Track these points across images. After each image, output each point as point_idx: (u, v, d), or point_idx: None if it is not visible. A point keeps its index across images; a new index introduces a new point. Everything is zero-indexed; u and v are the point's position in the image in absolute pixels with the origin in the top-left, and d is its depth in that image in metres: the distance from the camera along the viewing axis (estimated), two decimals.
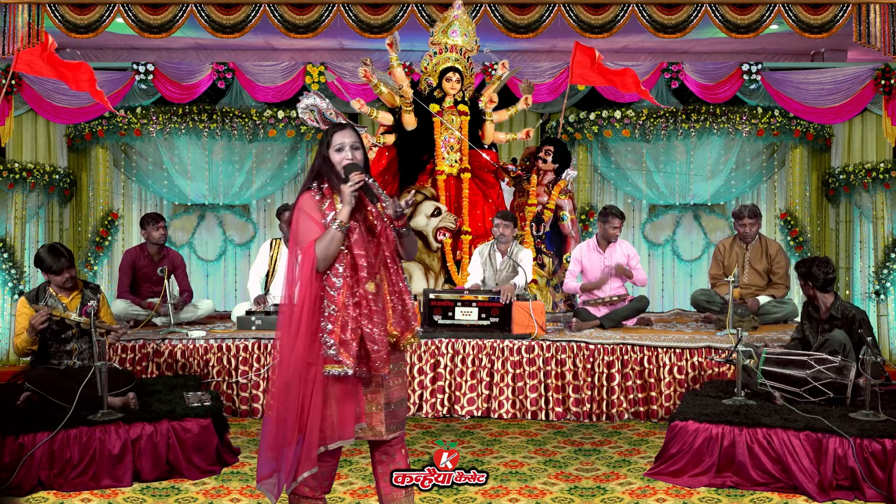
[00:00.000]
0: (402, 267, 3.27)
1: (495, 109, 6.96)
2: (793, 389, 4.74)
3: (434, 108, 6.62)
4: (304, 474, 3.07)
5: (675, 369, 5.70)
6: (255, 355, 5.84)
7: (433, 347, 5.80)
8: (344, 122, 3.39)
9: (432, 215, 6.62)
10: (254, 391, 5.81)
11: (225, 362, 5.85)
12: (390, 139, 6.71)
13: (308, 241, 3.07)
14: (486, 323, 5.92)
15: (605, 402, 5.74)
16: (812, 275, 5.05)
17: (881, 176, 7.51)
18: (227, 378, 5.82)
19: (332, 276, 3.09)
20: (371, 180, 3.16)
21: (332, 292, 3.08)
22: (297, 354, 3.11)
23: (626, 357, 5.74)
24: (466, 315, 5.94)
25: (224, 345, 5.86)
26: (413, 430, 5.42)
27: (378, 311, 3.09)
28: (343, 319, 3.07)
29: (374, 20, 6.40)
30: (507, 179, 7.17)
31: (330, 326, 3.08)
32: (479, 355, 5.79)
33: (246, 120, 8.01)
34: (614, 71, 7.27)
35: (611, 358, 5.75)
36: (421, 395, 5.80)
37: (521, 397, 5.76)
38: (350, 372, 3.05)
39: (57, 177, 7.68)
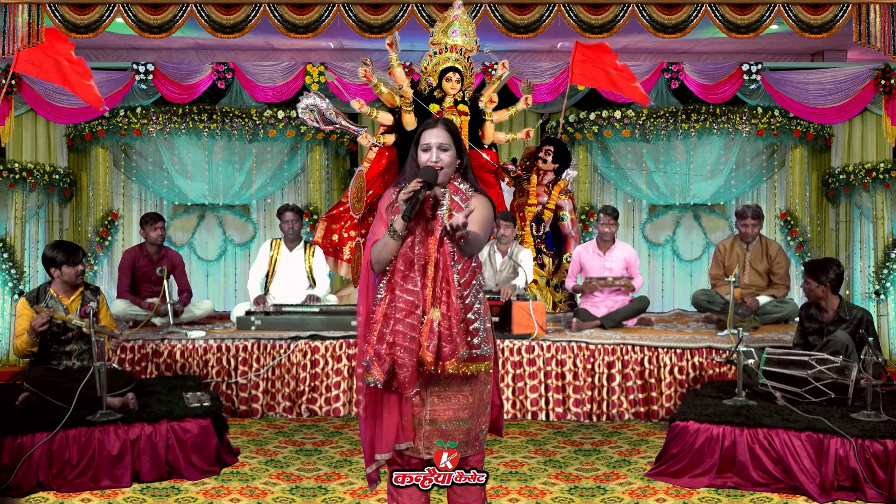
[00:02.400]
0: (474, 287, 2.95)
1: (495, 109, 6.94)
2: (794, 390, 4.74)
3: (434, 108, 6.61)
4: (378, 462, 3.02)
5: (676, 369, 5.70)
6: (255, 355, 5.84)
7: None
8: (442, 118, 3.13)
9: None
10: (253, 391, 5.80)
11: (224, 363, 5.84)
12: (390, 139, 6.70)
13: (370, 242, 2.96)
14: None
15: (605, 403, 5.73)
16: (830, 277, 5.04)
17: (881, 176, 7.51)
18: (226, 378, 5.82)
19: (378, 284, 2.97)
20: (441, 191, 2.93)
21: (377, 300, 2.95)
22: (358, 358, 3.03)
23: (626, 357, 5.74)
24: None
25: (224, 345, 5.86)
26: None
27: (405, 333, 2.89)
28: (381, 331, 2.93)
29: (374, 20, 6.38)
30: (507, 179, 7.16)
31: (370, 335, 2.96)
32: None
33: (246, 120, 8.01)
34: (617, 69, 7.24)
35: (611, 358, 5.74)
36: None
37: (521, 397, 5.75)
38: (380, 385, 2.92)
39: (57, 177, 7.67)
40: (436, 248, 2.91)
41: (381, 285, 2.95)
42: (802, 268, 5.21)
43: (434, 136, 2.97)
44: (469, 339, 2.92)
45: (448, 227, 2.77)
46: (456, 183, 3.04)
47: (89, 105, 6.68)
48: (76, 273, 4.94)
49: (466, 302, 2.94)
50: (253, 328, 6.12)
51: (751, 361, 4.78)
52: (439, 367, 2.91)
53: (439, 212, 2.91)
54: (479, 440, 3.11)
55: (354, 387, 5.79)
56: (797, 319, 5.49)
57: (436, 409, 3.00)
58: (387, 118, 6.73)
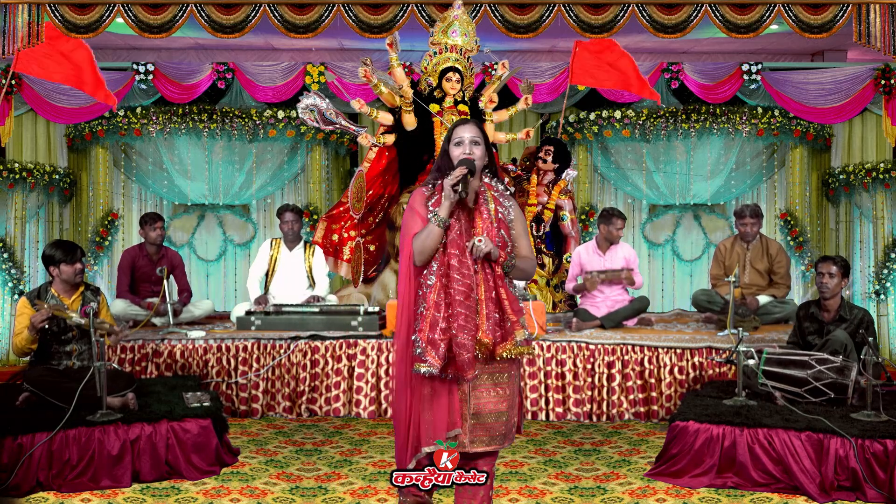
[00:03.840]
0: (504, 276, 3.12)
1: (495, 109, 6.95)
2: (794, 390, 4.74)
3: (434, 108, 6.61)
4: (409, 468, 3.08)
5: (676, 369, 5.70)
6: (255, 355, 5.84)
7: None
8: (468, 117, 3.39)
9: None
10: (253, 391, 5.80)
11: (224, 362, 5.84)
12: (390, 139, 6.70)
13: (409, 236, 3.06)
14: None
15: (605, 403, 5.73)
16: (849, 270, 5.05)
17: (881, 176, 7.51)
18: (226, 378, 5.82)
19: (427, 273, 3.05)
20: (478, 184, 3.13)
21: (424, 290, 3.04)
22: (399, 351, 3.10)
23: (626, 357, 5.74)
24: None
25: (224, 345, 5.86)
26: None
27: (466, 314, 3.01)
28: (433, 318, 3.01)
29: (374, 20, 6.38)
30: (507, 179, 7.17)
31: (420, 325, 3.03)
32: None
33: (246, 120, 8.01)
34: (619, 61, 7.21)
35: (611, 358, 5.74)
36: None
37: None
38: (436, 371, 2.99)
39: (57, 177, 7.67)
40: (486, 235, 3.07)
41: (431, 274, 3.04)
42: (821, 263, 5.11)
43: (467, 132, 3.14)
44: (512, 323, 3.10)
45: (480, 254, 3.02)
46: (491, 182, 3.21)
47: (100, 101, 6.66)
48: (75, 271, 4.94)
49: (504, 290, 3.11)
50: (253, 328, 6.12)
51: (751, 361, 4.78)
52: (495, 350, 3.06)
53: (482, 203, 3.09)
54: (513, 433, 3.23)
55: (354, 387, 5.81)
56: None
57: (479, 403, 3.10)
58: (387, 118, 6.73)
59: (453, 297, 3.01)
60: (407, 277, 3.09)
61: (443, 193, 3.05)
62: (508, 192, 3.26)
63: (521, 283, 6.21)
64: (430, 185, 3.17)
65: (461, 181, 3.00)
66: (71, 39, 6.34)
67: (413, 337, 3.04)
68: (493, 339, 3.05)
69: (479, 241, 3.03)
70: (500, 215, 3.16)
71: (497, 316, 3.07)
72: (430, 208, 3.09)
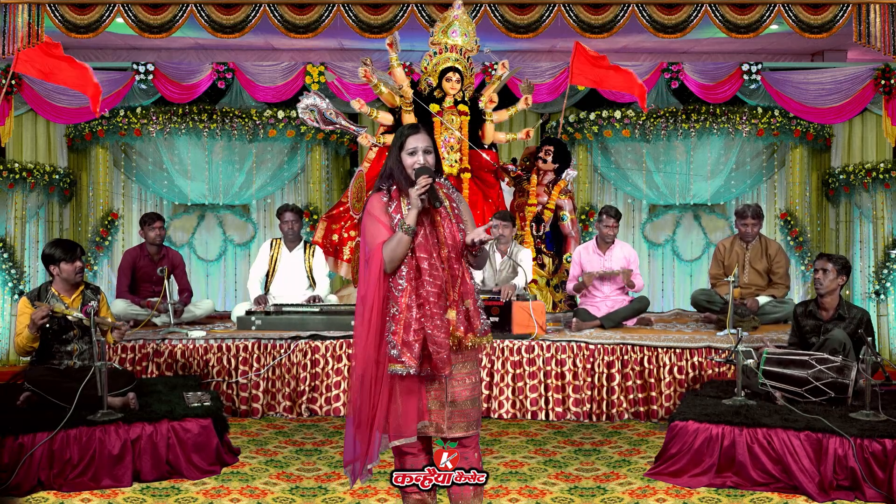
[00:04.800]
0: (468, 270, 3.31)
1: (495, 109, 6.95)
2: (793, 389, 4.74)
3: (434, 108, 6.61)
4: (368, 466, 3.22)
5: (676, 369, 5.70)
6: (255, 355, 5.84)
7: None
8: (417, 124, 3.49)
9: None
10: (254, 391, 5.81)
11: (225, 362, 5.84)
12: (390, 139, 6.69)
13: (376, 244, 3.17)
14: None
15: (605, 402, 5.74)
16: (849, 270, 5.05)
17: (881, 176, 7.51)
18: (227, 378, 5.82)
19: (396, 277, 3.18)
20: (443, 180, 3.31)
21: (396, 293, 3.17)
22: (368, 353, 3.20)
23: (626, 357, 5.74)
24: None
25: (224, 345, 5.86)
26: None
27: (440, 314, 3.16)
28: (406, 321, 3.15)
29: (374, 20, 6.39)
30: (507, 179, 7.17)
31: (393, 327, 3.16)
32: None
33: (246, 120, 8.01)
34: (615, 70, 7.24)
35: (611, 358, 5.75)
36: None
37: (521, 397, 5.76)
38: (413, 371, 3.13)
39: (57, 177, 7.68)
40: (447, 238, 3.23)
41: (401, 278, 3.17)
42: (818, 259, 5.12)
43: (421, 142, 3.25)
44: (480, 315, 3.30)
45: (474, 242, 3.18)
46: (440, 180, 3.36)
47: (88, 103, 6.67)
48: (74, 270, 4.94)
49: (470, 282, 3.29)
50: (253, 328, 6.12)
51: (750, 361, 4.78)
52: (464, 342, 3.22)
53: (437, 205, 3.24)
54: (480, 418, 3.39)
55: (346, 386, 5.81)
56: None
57: (454, 391, 3.25)
58: (387, 118, 6.73)
59: (426, 299, 3.15)
60: (376, 282, 3.17)
61: (409, 202, 3.19)
62: (449, 184, 3.44)
63: (520, 283, 6.21)
64: (386, 191, 3.28)
65: (430, 190, 3.15)
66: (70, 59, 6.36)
67: (387, 338, 3.16)
68: (464, 331, 3.22)
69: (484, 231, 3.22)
70: (455, 211, 3.33)
71: (465, 308, 3.25)
72: (392, 215, 3.22)
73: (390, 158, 3.31)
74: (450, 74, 6.59)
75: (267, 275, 6.79)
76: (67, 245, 4.98)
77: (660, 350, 5.73)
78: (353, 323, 5.88)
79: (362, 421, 3.21)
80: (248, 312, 6.26)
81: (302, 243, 6.86)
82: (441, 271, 3.20)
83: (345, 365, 5.83)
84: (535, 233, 7.28)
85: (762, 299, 6.70)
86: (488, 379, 5.76)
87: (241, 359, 5.84)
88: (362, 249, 3.29)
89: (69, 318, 4.80)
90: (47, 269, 5.01)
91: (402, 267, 3.18)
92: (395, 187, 3.27)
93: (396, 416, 3.19)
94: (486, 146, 6.95)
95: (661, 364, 5.71)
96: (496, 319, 5.88)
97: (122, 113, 7.88)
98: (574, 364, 5.76)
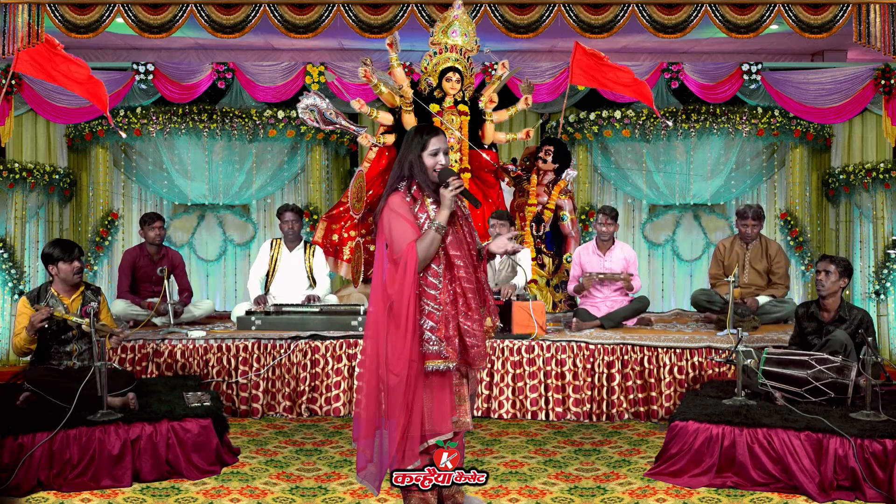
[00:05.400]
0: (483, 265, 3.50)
1: (495, 109, 6.95)
2: (793, 389, 4.74)
3: (434, 108, 6.61)
4: (409, 467, 3.25)
5: (676, 369, 5.70)
6: (255, 355, 5.84)
7: None
8: (436, 126, 3.68)
9: None
10: (254, 391, 5.80)
11: (225, 362, 5.84)
12: (390, 139, 6.71)
13: (407, 243, 3.24)
14: None
15: (605, 402, 5.74)
16: (850, 274, 5.06)
17: (881, 176, 7.51)
18: (226, 378, 5.82)
19: (429, 275, 3.28)
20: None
21: (432, 291, 3.27)
22: (405, 353, 3.23)
23: (626, 357, 5.74)
24: None
25: (224, 345, 5.86)
26: None
27: (476, 308, 3.32)
28: (445, 316, 3.26)
29: (374, 20, 6.39)
30: (507, 179, 7.17)
31: (432, 324, 3.24)
32: None
33: (246, 120, 8.01)
34: (615, 70, 7.24)
35: (611, 358, 5.75)
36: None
37: (521, 397, 5.75)
38: (453, 366, 3.24)
39: (57, 177, 7.68)
40: (466, 236, 3.41)
41: (437, 276, 3.29)
42: (820, 261, 5.12)
43: (442, 143, 3.37)
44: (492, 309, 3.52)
45: (507, 252, 3.45)
46: None
47: (94, 104, 6.66)
48: (73, 270, 4.93)
49: (485, 278, 3.49)
50: (253, 328, 6.12)
51: (750, 361, 4.78)
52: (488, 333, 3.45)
53: (478, 205, 3.48)
54: None
55: (354, 387, 5.80)
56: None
57: (471, 385, 3.44)
58: (387, 118, 6.73)
59: (462, 294, 3.28)
60: (412, 280, 3.22)
61: (433, 202, 3.33)
62: None
63: (520, 283, 6.21)
64: (407, 190, 3.35)
65: (464, 191, 3.31)
66: (69, 57, 6.35)
67: (426, 336, 3.24)
68: (490, 324, 3.46)
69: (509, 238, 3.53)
70: (466, 211, 3.50)
71: (491, 305, 3.47)
72: (417, 214, 3.31)
73: (408, 158, 3.35)
74: (450, 74, 6.59)
75: (267, 275, 6.79)
76: (66, 245, 4.98)
77: (660, 350, 5.73)
78: (352, 323, 5.96)
79: (393, 423, 3.22)
80: (248, 312, 6.25)
81: (302, 243, 6.86)
82: (472, 267, 3.34)
83: (345, 365, 5.83)
84: (535, 233, 7.28)
85: (762, 299, 6.70)
86: (488, 379, 5.76)
87: (241, 359, 5.83)
88: (380, 248, 3.33)
89: (71, 321, 4.80)
90: (46, 269, 5.01)
91: (433, 265, 3.27)
92: (415, 187, 3.34)
93: (431, 414, 3.26)
94: (486, 146, 6.95)
95: (661, 364, 5.71)
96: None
97: (122, 113, 7.88)
98: (574, 364, 5.76)
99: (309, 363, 5.85)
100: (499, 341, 5.79)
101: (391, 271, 3.27)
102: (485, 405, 5.75)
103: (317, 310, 6.20)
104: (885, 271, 7.53)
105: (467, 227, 3.42)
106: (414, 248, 3.21)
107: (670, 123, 7.80)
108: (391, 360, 3.26)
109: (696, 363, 5.69)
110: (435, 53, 6.63)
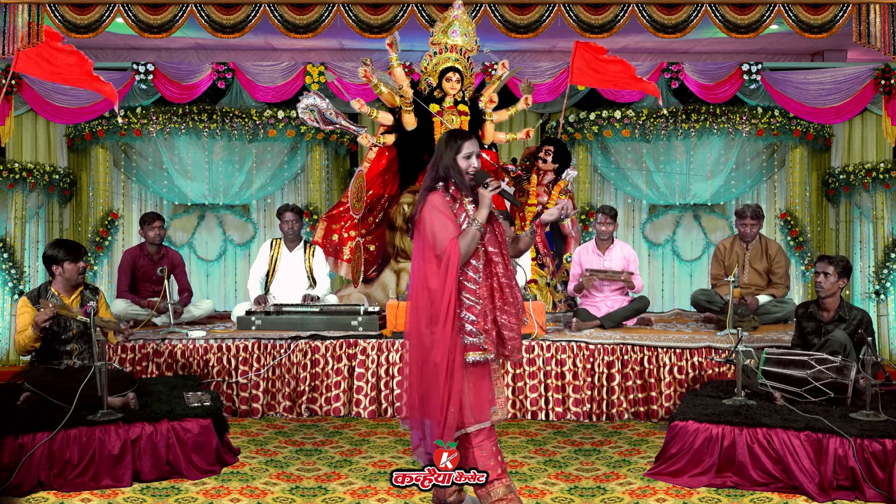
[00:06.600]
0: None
1: (495, 109, 6.95)
2: (793, 389, 4.74)
3: (434, 108, 6.61)
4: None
5: (676, 369, 5.70)
6: (255, 355, 5.84)
7: None
8: (466, 130, 3.84)
9: None
10: (254, 391, 5.81)
11: (225, 362, 5.84)
12: (390, 139, 6.71)
13: (450, 239, 3.40)
14: None
15: (605, 402, 5.74)
16: (848, 274, 5.06)
17: (881, 176, 7.51)
18: (227, 378, 5.82)
19: (468, 271, 3.46)
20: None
21: (471, 286, 3.45)
22: (447, 344, 3.37)
23: (626, 357, 5.74)
24: None
25: (224, 345, 5.86)
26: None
27: (513, 302, 3.51)
28: (484, 310, 3.45)
29: (374, 20, 6.39)
30: (507, 179, 7.17)
31: (472, 317, 3.42)
32: None
33: (246, 120, 8.01)
34: (615, 64, 7.23)
35: (611, 358, 5.75)
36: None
37: (521, 397, 5.75)
38: (492, 357, 3.45)
39: (57, 177, 7.68)
40: (499, 235, 3.60)
41: (476, 271, 3.46)
42: (818, 262, 5.13)
43: (475, 146, 3.56)
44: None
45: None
46: None
47: (105, 97, 6.64)
48: (78, 270, 4.94)
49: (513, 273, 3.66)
50: (253, 328, 6.12)
51: (750, 361, 4.78)
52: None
53: (518, 204, 3.70)
54: None
55: (354, 387, 5.81)
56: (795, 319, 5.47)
57: (502, 378, 3.67)
58: (387, 118, 6.73)
59: (499, 289, 3.48)
60: (454, 275, 3.38)
61: (471, 201, 3.51)
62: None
63: (521, 282, 6.22)
64: (445, 190, 3.52)
65: (501, 192, 3.54)
66: (70, 49, 6.35)
67: (466, 328, 3.41)
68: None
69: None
70: (497, 210, 3.75)
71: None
72: (458, 214, 3.48)
73: (443, 162, 3.53)
74: (450, 74, 6.59)
75: (267, 275, 6.79)
76: (71, 246, 4.99)
77: (660, 350, 5.73)
78: (352, 323, 5.96)
79: (433, 411, 3.37)
80: (248, 312, 6.25)
81: (302, 243, 6.86)
82: (506, 264, 3.53)
83: (345, 365, 5.83)
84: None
85: (762, 299, 6.71)
86: None
87: (241, 359, 5.84)
88: (417, 246, 3.49)
89: (76, 320, 4.80)
90: (49, 269, 5.01)
91: (472, 261, 3.46)
92: (452, 188, 3.52)
93: (471, 404, 3.41)
94: (487, 146, 6.94)
95: (661, 364, 5.71)
96: None
97: (122, 113, 7.88)
98: (574, 364, 5.76)
99: (309, 363, 5.85)
100: None
101: (433, 267, 3.43)
102: None
103: (317, 310, 6.20)
104: (885, 271, 7.54)
105: (500, 225, 3.59)
106: (456, 245, 3.38)
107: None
108: (431, 351, 3.41)
109: (696, 363, 5.69)
110: (435, 53, 6.63)
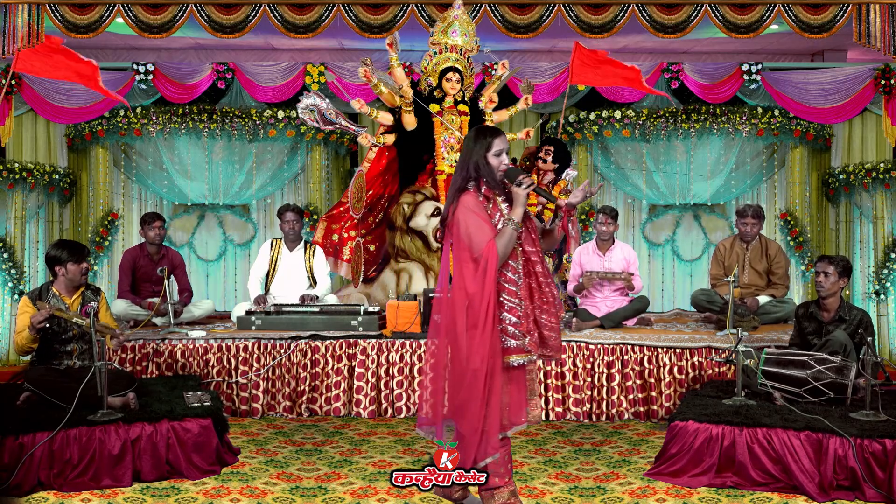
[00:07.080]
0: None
1: (495, 109, 6.95)
2: (793, 389, 4.74)
3: (434, 108, 6.62)
4: (488, 459, 3.34)
5: (676, 369, 5.70)
6: (255, 355, 5.84)
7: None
8: (497, 127, 3.67)
9: (432, 215, 6.61)
10: (253, 391, 5.81)
11: (225, 362, 5.85)
12: (390, 139, 6.71)
13: (487, 240, 3.31)
14: None
15: (605, 402, 5.74)
16: (849, 271, 5.06)
17: (881, 176, 7.51)
18: (226, 378, 5.82)
19: (507, 272, 3.38)
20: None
21: (511, 287, 3.38)
22: (486, 347, 3.29)
23: (626, 357, 5.74)
24: None
25: (224, 345, 5.86)
26: (413, 429, 5.42)
27: (550, 301, 3.44)
28: (526, 311, 3.39)
29: (374, 20, 6.39)
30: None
31: (514, 319, 3.34)
32: None
33: (246, 120, 8.01)
34: (617, 66, 7.23)
35: (611, 358, 5.75)
36: (422, 395, 5.79)
37: None
38: (534, 359, 3.38)
39: (57, 177, 7.68)
40: (533, 233, 3.52)
41: (515, 273, 3.39)
42: (818, 262, 5.13)
43: (505, 144, 3.47)
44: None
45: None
46: None
47: (107, 97, 6.64)
48: (81, 271, 4.95)
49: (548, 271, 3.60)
50: (253, 328, 6.12)
51: (750, 361, 4.78)
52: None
53: (554, 201, 3.64)
54: None
55: (354, 387, 5.81)
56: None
57: (536, 376, 3.59)
58: (387, 118, 6.73)
59: (539, 288, 3.41)
60: (493, 276, 3.29)
61: (504, 200, 3.43)
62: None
63: None
64: (477, 190, 3.42)
65: (536, 189, 3.46)
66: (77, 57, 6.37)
67: (509, 330, 3.34)
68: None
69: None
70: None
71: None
72: (492, 213, 3.40)
73: (473, 160, 3.41)
74: (450, 74, 6.59)
75: (267, 275, 6.79)
76: (74, 246, 4.99)
77: (660, 350, 5.73)
78: (352, 323, 5.96)
79: (466, 416, 3.32)
80: (248, 312, 6.26)
81: (302, 243, 6.87)
82: (544, 260, 3.47)
83: (345, 365, 5.83)
84: None
85: (762, 299, 6.71)
86: None
87: (241, 359, 5.84)
88: (446, 248, 3.43)
89: (72, 321, 4.80)
90: (51, 269, 5.01)
91: (510, 261, 3.37)
92: (484, 187, 3.42)
93: (509, 407, 3.37)
94: None
95: (661, 364, 5.72)
96: None
97: (122, 113, 7.88)
98: (574, 364, 5.76)
99: (309, 363, 5.85)
100: None
101: (470, 270, 3.32)
102: None
103: (317, 310, 6.20)
104: (885, 271, 7.54)
105: (532, 222, 3.52)
106: (494, 246, 3.29)
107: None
108: (469, 356, 3.31)
109: (696, 363, 5.69)
110: (435, 53, 6.63)
